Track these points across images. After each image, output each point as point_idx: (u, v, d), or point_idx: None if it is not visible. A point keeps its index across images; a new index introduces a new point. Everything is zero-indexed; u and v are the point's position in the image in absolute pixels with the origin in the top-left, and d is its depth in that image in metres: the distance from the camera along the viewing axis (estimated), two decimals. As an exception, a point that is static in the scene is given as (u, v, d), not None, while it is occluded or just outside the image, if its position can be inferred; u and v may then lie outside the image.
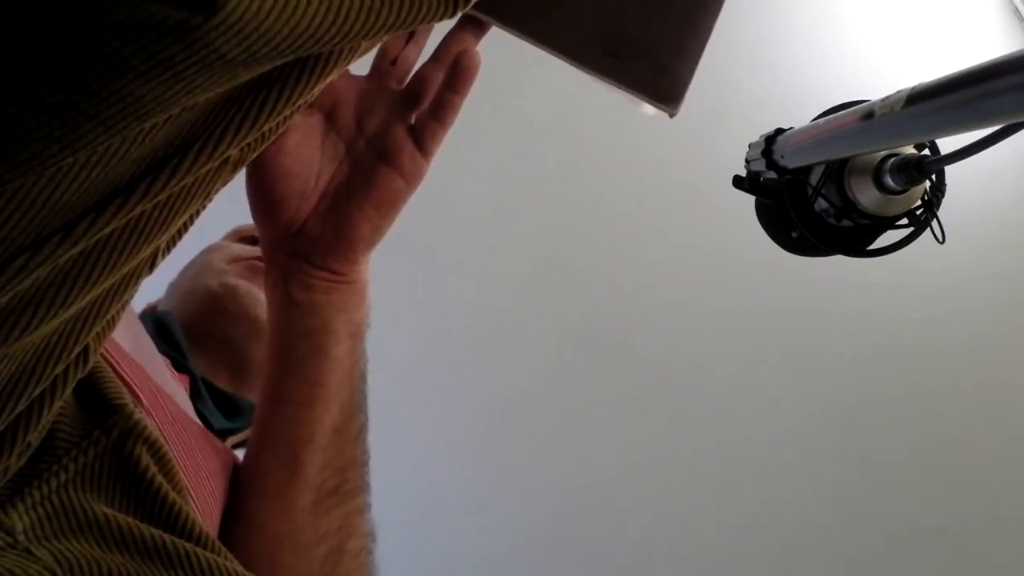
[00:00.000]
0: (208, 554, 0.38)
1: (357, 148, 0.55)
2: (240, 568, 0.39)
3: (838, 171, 0.59)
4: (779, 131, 0.62)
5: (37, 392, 0.33)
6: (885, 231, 0.61)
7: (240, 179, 0.39)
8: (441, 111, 0.54)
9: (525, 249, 1.84)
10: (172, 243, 0.34)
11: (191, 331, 0.80)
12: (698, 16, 0.49)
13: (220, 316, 0.81)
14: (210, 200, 0.34)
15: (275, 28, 0.27)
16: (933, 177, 0.58)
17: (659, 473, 1.87)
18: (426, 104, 0.55)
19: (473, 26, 0.53)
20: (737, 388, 1.91)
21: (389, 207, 0.55)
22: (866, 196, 0.58)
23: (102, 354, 0.42)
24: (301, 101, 0.32)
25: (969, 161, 0.52)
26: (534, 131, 1.86)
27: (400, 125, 0.54)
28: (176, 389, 0.60)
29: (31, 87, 0.26)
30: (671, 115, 0.50)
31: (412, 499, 1.68)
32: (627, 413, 1.86)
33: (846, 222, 0.60)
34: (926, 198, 0.59)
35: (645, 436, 1.87)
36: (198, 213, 0.34)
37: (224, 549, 0.40)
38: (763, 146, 0.62)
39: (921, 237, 0.60)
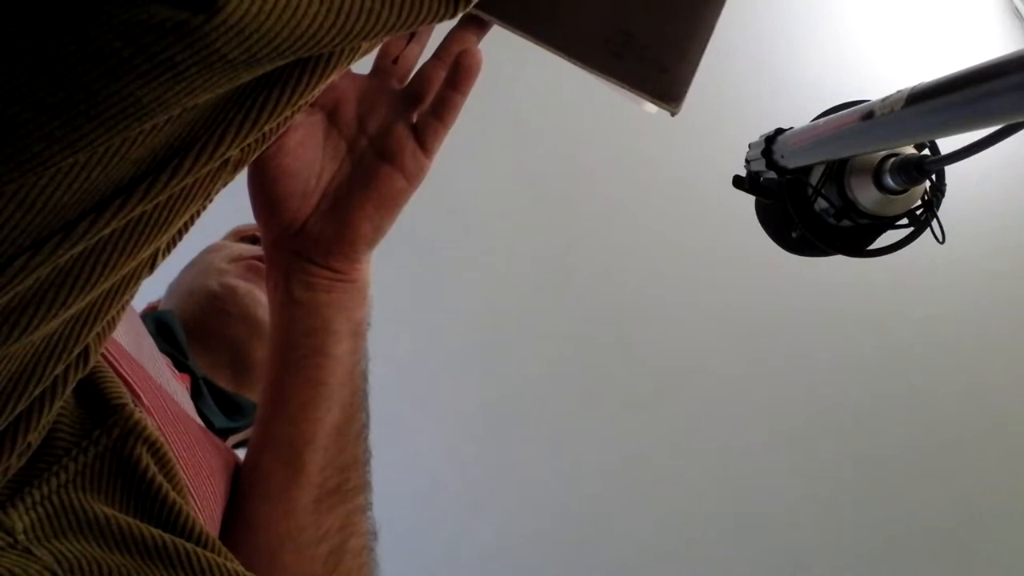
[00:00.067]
0: (208, 554, 0.38)
1: (359, 147, 0.55)
2: (240, 568, 0.39)
3: (838, 171, 0.59)
4: (779, 131, 0.62)
5: (37, 392, 0.33)
6: (885, 231, 0.61)
7: (241, 178, 0.39)
8: (443, 110, 0.54)
9: (525, 248, 1.84)
10: (172, 243, 0.34)
11: (192, 331, 0.80)
12: (699, 16, 0.49)
13: (220, 317, 0.81)
14: (210, 201, 0.34)
15: (275, 29, 0.27)
16: (933, 177, 0.58)
17: (658, 472, 1.87)
18: (428, 103, 0.55)
19: (475, 25, 0.53)
20: (737, 388, 1.91)
21: (391, 206, 0.55)
22: (866, 196, 0.58)
23: (103, 354, 0.42)
24: (302, 102, 0.32)
25: (969, 161, 0.52)
26: (535, 130, 1.86)
27: (402, 124, 0.54)
28: (177, 388, 0.60)
29: (31, 87, 0.26)
30: (673, 114, 0.50)
31: (412, 498, 1.68)
32: (626, 412, 1.86)
33: (846, 222, 0.60)
34: (926, 198, 0.59)
35: (644, 435, 1.87)
36: (198, 214, 0.34)
37: (224, 549, 0.40)
38: (763, 146, 0.62)
39: (921, 237, 0.60)
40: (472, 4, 0.32)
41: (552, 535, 1.80)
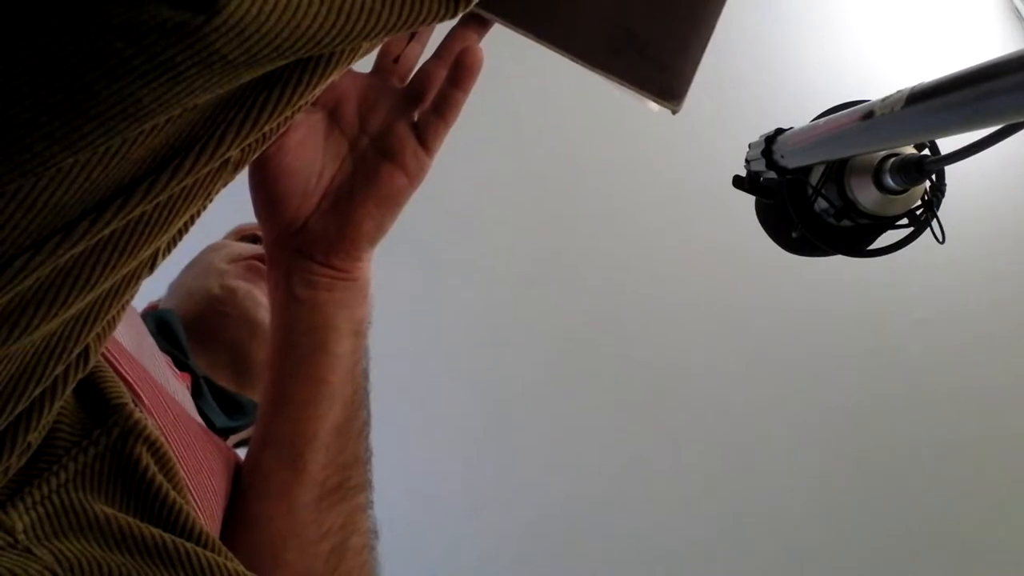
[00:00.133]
0: (208, 553, 0.38)
1: (360, 145, 0.55)
2: (240, 568, 0.39)
3: (838, 171, 0.59)
4: (779, 131, 0.62)
5: (37, 392, 0.33)
6: (885, 231, 0.61)
7: (242, 177, 0.39)
8: (444, 108, 0.54)
9: (525, 247, 1.84)
10: (172, 244, 0.34)
11: (193, 330, 0.80)
12: (700, 14, 0.49)
13: (220, 319, 0.81)
14: (211, 201, 0.34)
15: (276, 29, 0.27)
16: (933, 177, 0.58)
17: (658, 472, 1.87)
18: (429, 101, 0.55)
19: (476, 23, 0.53)
20: (737, 388, 1.91)
21: (392, 204, 0.55)
22: (866, 196, 0.58)
23: (103, 353, 0.42)
24: (302, 102, 0.32)
25: (969, 161, 0.52)
26: (535, 129, 1.86)
27: (403, 122, 0.55)
28: (177, 388, 0.60)
29: (32, 87, 0.26)
30: (674, 112, 0.50)
31: (412, 498, 1.68)
32: (626, 412, 1.86)
33: (846, 222, 0.61)
34: (926, 198, 0.59)
35: (644, 435, 1.87)
36: (199, 214, 0.34)
37: (224, 548, 0.40)
38: (763, 146, 0.62)
39: (921, 237, 0.60)
40: (472, 4, 0.32)
41: (552, 535, 1.80)
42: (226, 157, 0.32)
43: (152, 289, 0.85)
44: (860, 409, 1.95)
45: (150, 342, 0.59)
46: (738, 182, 0.66)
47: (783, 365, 1.93)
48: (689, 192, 1.88)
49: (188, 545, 0.37)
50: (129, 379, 0.44)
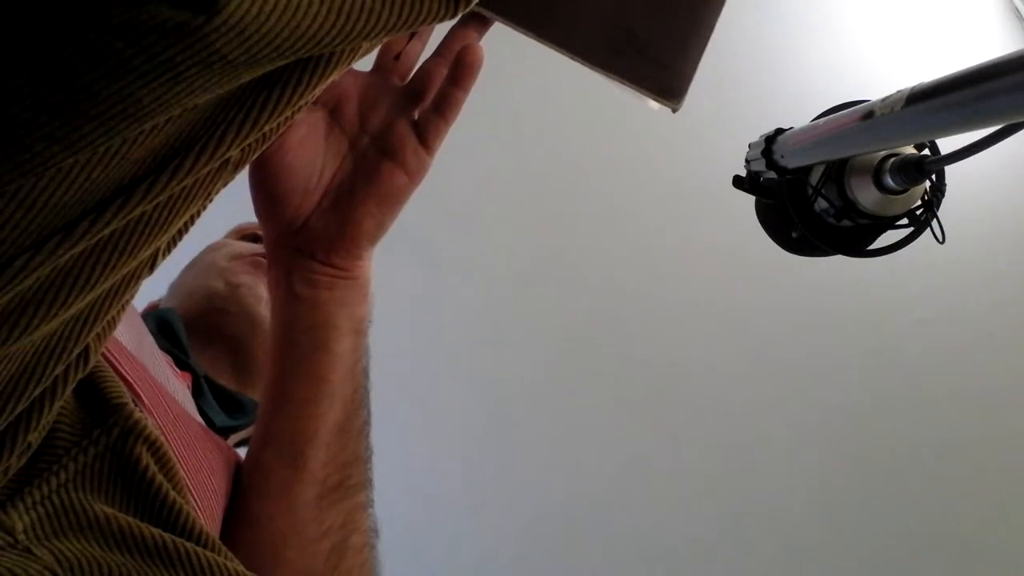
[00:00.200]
0: (208, 553, 0.38)
1: (360, 144, 0.55)
2: (240, 567, 0.39)
3: (838, 171, 0.59)
4: (779, 131, 0.62)
5: (37, 392, 0.33)
6: (885, 231, 0.61)
7: (242, 177, 0.39)
8: (444, 106, 0.54)
9: (525, 246, 1.84)
10: (172, 244, 0.34)
11: (194, 329, 0.80)
12: (700, 14, 0.49)
13: (221, 316, 0.81)
14: (210, 201, 0.34)
15: (276, 30, 0.26)
16: (933, 177, 0.58)
17: (658, 472, 1.87)
18: (429, 100, 0.55)
19: (476, 22, 0.53)
20: (737, 388, 1.91)
21: (392, 202, 0.55)
22: (866, 196, 0.58)
23: (103, 353, 0.42)
24: (302, 102, 0.32)
25: (969, 161, 0.52)
26: (535, 128, 1.86)
27: (403, 120, 0.55)
28: (178, 387, 0.60)
29: (31, 87, 0.26)
30: (674, 110, 0.50)
31: (412, 497, 1.68)
32: (626, 412, 1.86)
33: (846, 222, 0.60)
34: (926, 198, 0.59)
35: (644, 435, 1.87)
36: (199, 214, 0.34)
37: (224, 548, 0.40)
38: (763, 146, 0.62)
39: (921, 237, 0.60)
40: (473, 3, 0.32)
41: (552, 534, 1.80)
42: (226, 157, 0.32)
43: (152, 289, 0.85)
44: (860, 409, 1.95)
45: (150, 341, 0.59)
46: (738, 182, 0.66)
47: (783, 365, 1.93)
48: (689, 192, 1.88)
49: (188, 545, 0.37)
50: (129, 379, 0.44)
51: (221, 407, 0.77)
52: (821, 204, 0.61)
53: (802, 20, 2.03)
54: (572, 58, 0.48)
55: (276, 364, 0.56)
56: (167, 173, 0.30)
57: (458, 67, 0.53)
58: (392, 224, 0.56)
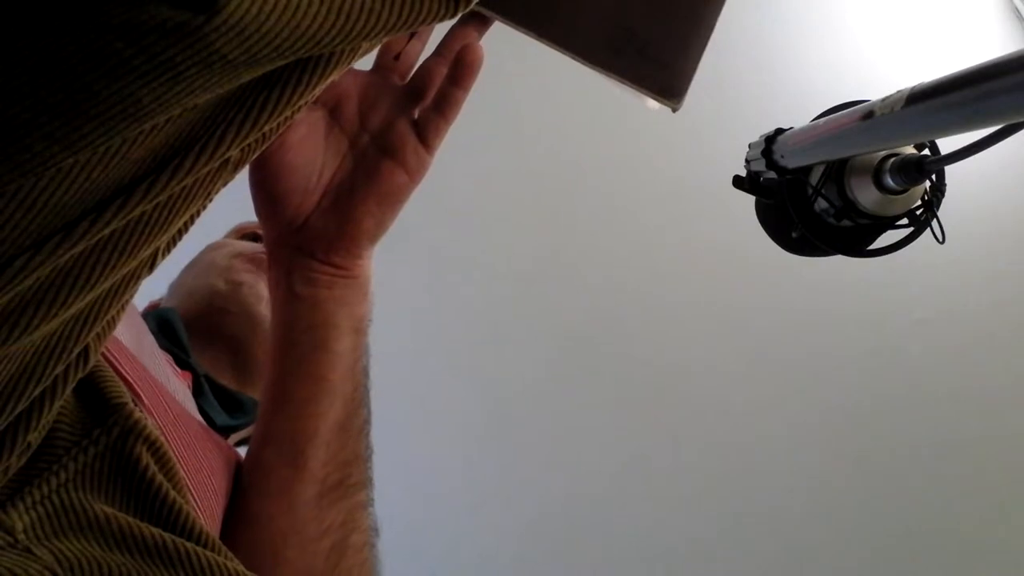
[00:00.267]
0: (208, 553, 0.38)
1: (360, 143, 0.55)
2: (240, 567, 0.39)
3: (838, 171, 0.59)
4: (779, 131, 0.62)
5: (37, 392, 0.33)
6: (885, 231, 0.62)
7: (242, 177, 0.39)
8: (444, 105, 0.54)
9: (525, 245, 1.84)
10: (172, 243, 0.34)
11: (194, 328, 0.80)
12: (700, 13, 0.49)
13: (221, 315, 0.81)
14: (210, 201, 0.34)
15: (276, 29, 0.26)
16: (933, 177, 0.58)
17: (658, 472, 1.87)
18: (429, 99, 0.55)
19: (476, 21, 0.53)
20: (737, 388, 1.91)
21: (392, 201, 0.55)
22: (866, 196, 0.58)
23: (103, 353, 0.42)
24: (302, 102, 0.32)
25: (969, 161, 0.52)
26: (535, 127, 1.86)
27: (403, 120, 0.55)
28: (178, 386, 0.60)
29: (31, 87, 0.25)
30: (674, 110, 0.50)
31: (412, 497, 1.68)
32: (626, 412, 1.86)
33: (846, 222, 0.61)
34: (926, 198, 0.59)
35: (644, 435, 1.87)
36: (198, 214, 0.34)
37: (224, 548, 0.40)
38: (763, 146, 0.62)
39: (921, 237, 0.60)
40: (473, 3, 0.32)
41: (552, 533, 1.80)
42: (226, 157, 0.32)
43: (152, 289, 0.85)
44: (860, 409, 1.95)
45: (150, 340, 0.59)
46: (738, 182, 0.66)
47: (783, 365, 1.93)
48: (689, 191, 1.88)
49: (188, 545, 0.37)
50: (129, 378, 0.44)
51: (222, 406, 0.77)
52: (821, 204, 0.61)
53: (802, 20, 2.03)
54: (572, 57, 0.48)
55: (276, 363, 0.56)
56: (167, 173, 0.30)
57: (458, 66, 0.53)
58: (392, 223, 0.56)
